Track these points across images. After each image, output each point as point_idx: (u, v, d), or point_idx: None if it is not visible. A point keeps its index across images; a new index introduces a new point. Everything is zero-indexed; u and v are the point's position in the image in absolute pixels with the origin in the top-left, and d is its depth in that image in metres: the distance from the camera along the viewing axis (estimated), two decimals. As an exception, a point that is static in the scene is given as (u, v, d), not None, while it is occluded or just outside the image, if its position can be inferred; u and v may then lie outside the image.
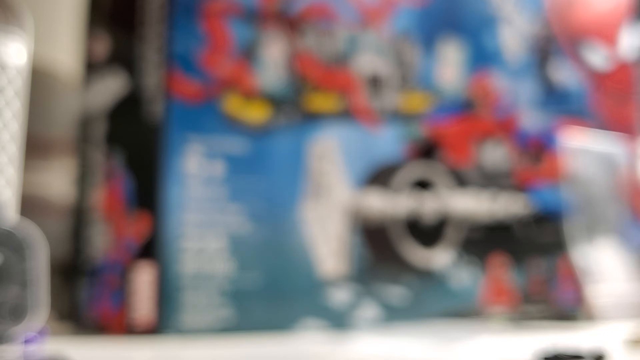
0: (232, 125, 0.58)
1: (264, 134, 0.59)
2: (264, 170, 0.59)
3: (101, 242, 0.59)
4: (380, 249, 0.63)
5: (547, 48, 0.76)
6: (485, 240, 0.69)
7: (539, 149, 0.74)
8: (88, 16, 0.63)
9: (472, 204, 0.68)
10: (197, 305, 0.55)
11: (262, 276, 0.58)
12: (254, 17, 0.59)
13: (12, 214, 0.43)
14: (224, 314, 0.56)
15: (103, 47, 0.61)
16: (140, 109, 0.57)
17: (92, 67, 0.62)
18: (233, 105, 0.58)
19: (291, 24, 0.61)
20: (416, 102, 0.66)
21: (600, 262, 0.74)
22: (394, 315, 0.63)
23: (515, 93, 0.73)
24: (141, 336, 0.54)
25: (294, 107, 0.60)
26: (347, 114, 0.63)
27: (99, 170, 0.60)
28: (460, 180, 0.68)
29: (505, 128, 0.72)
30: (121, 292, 0.56)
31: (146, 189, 0.56)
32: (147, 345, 0.51)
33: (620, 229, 0.79)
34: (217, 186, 0.57)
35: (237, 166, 0.58)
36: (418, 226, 0.65)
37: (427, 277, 0.65)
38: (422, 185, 0.66)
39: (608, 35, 0.83)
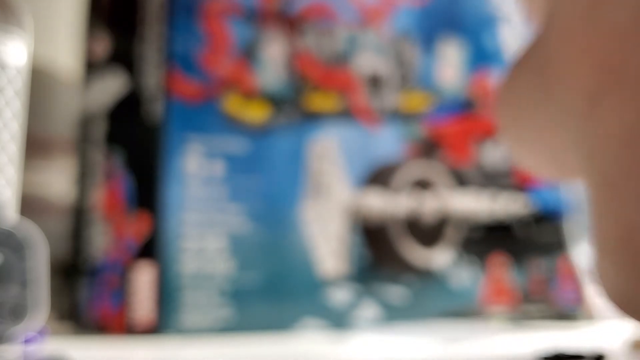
0: (232, 125, 0.58)
1: (264, 133, 0.59)
2: (264, 170, 0.59)
3: (101, 242, 0.59)
4: (380, 249, 0.63)
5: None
6: (485, 240, 0.69)
7: (539, 148, 0.74)
8: (88, 16, 0.63)
9: (472, 204, 0.68)
10: (197, 305, 0.55)
11: (262, 276, 0.58)
12: (254, 17, 0.59)
13: (12, 214, 0.43)
14: (224, 314, 0.56)
15: (103, 47, 0.61)
16: (140, 109, 0.57)
17: (92, 67, 0.62)
18: (233, 105, 0.58)
19: (291, 24, 0.61)
20: (416, 101, 0.66)
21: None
22: (394, 315, 0.63)
23: (515, 93, 0.73)
24: (141, 336, 0.54)
25: (294, 107, 0.60)
26: (347, 114, 0.63)
27: (99, 170, 0.60)
28: (460, 180, 0.68)
29: (505, 128, 0.72)
30: (121, 292, 0.56)
31: (146, 189, 0.56)
32: (147, 345, 0.51)
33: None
34: (217, 186, 0.57)
35: (237, 166, 0.58)
36: (418, 226, 0.65)
37: (427, 277, 0.65)
38: (422, 185, 0.66)
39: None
